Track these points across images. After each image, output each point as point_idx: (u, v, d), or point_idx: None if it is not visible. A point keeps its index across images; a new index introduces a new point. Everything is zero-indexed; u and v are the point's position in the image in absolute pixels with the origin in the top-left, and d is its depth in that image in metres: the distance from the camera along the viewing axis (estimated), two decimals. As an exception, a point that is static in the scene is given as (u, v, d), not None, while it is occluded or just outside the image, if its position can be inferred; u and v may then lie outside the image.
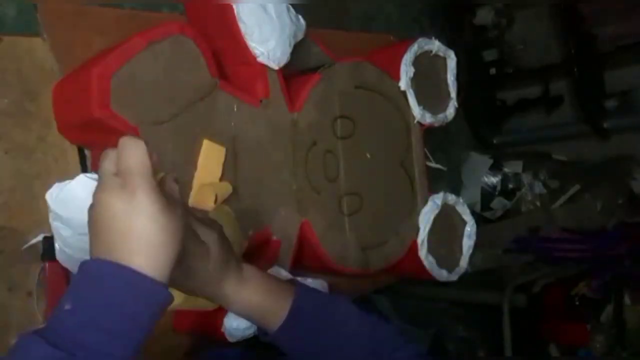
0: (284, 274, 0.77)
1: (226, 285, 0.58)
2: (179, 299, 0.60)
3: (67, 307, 0.42)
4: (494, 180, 1.89)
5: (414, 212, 0.99)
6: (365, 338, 0.62)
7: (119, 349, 0.41)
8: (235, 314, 0.63)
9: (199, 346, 0.78)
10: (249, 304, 0.59)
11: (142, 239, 0.43)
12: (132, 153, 0.44)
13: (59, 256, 0.62)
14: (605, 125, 1.74)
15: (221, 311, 0.70)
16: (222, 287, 0.58)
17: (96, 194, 0.44)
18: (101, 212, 0.44)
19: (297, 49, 0.81)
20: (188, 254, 0.51)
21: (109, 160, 0.45)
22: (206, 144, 0.69)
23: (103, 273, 0.43)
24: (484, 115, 1.94)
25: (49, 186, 0.59)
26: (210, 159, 0.69)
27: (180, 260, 0.47)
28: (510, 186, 1.90)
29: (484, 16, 1.86)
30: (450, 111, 1.05)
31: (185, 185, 0.68)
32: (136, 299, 0.42)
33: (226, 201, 0.71)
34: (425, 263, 0.97)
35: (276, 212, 0.78)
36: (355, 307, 0.64)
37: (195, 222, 0.55)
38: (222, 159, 0.71)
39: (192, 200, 0.67)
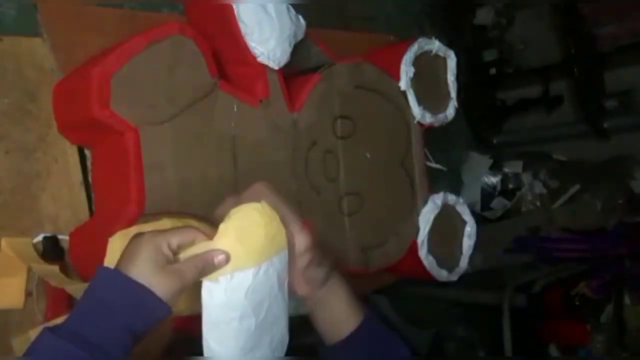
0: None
1: (324, 288, 0.62)
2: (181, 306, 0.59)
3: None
4: (494, 180, 1.89)
5: (414, 212, 0.98)
6: None
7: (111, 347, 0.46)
8: (315, 317, 0.65)
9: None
10: (332, 311, 0.63)
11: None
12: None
13: None
14: (605, 125, 1.74)
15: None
16: (321, 289, 0.62)
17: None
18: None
19: (297, 49, 0.81)
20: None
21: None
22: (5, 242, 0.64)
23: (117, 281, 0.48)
24: (484, 115, 1.94)
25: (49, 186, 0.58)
26: None
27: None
28: (510, 186, 1.89)
29: (484, 16, 1.86)
30: (450, 111, 1.05)
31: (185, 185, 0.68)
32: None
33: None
34: (425, 263, 0.97)
35: (276, 212, 0.78)
36: (407, 349, 0.66)
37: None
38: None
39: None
